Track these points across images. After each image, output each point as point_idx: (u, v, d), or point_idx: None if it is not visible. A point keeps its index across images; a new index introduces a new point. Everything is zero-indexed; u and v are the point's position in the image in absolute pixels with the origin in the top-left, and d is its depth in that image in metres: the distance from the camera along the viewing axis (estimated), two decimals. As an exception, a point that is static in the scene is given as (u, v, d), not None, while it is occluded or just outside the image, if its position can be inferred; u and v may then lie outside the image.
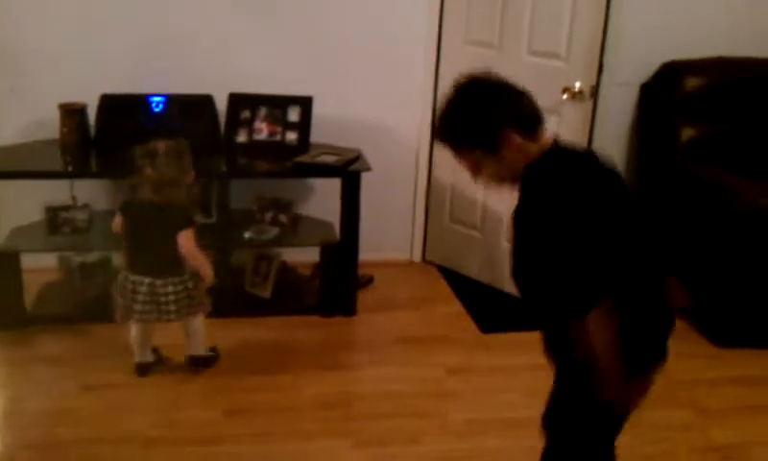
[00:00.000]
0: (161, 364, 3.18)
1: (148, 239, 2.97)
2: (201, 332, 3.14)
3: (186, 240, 2.94)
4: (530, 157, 1.85)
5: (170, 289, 2.95)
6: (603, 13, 3.36)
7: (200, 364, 3.15)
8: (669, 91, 3.86)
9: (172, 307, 2.97)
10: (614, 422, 2.04)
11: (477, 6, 3.79)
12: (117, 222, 3.03)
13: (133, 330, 3.08)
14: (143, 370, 3.12)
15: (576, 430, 2.03)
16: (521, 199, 1.86)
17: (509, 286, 3.92)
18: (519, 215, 1.83)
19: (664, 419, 2.95)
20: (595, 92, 3.47)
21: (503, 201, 3.86)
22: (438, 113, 1.94)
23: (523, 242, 1.85)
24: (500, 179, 1.93)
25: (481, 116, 1.84)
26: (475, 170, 1.93)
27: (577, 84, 3.48)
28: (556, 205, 1.78)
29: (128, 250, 3.01)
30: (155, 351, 3.18)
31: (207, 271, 3.02)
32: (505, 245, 3.91)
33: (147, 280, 2.94)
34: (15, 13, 3.60)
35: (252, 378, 3.13)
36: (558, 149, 1.90)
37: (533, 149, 1.86)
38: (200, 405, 2.95)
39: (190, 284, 3.01)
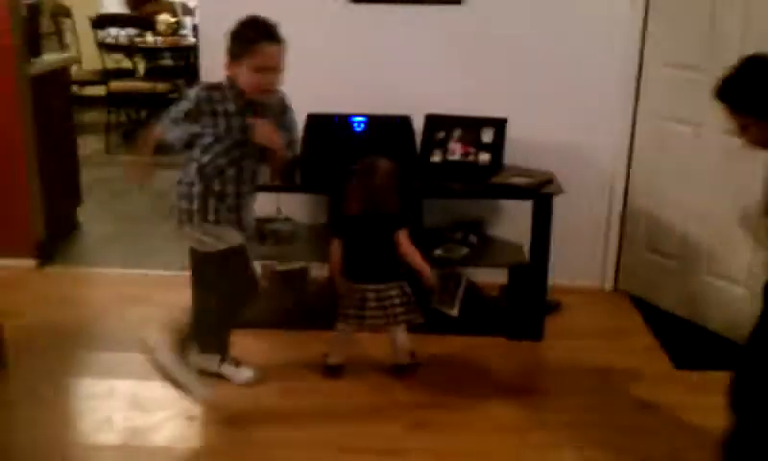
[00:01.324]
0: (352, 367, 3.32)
1: (364, 250, 3.16)
2: (405, 342, 3.27)
3: (402, 240, 3.13)
4: None
5: (394, 292, 3.14)
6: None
7: (401, 372, 3.28)
8: None
9: (398, 310, 3.15)
10: None
11: (682, 26, 3.64)
12: (335, 247, 3.22)
13: (340, 334, 3.25)
14: (336, 372, 3.26)
15: None
16: None
17: (707, 321, 3.72)
18: None
19: None
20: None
21: (705, 231, 3.68)
22: (723, 78, 2.25)
23: None
24: (761, 144, 2.25)
25: (761, 88, 2.18)
26: (743, 131, 2.25)
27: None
28: None
29: (349, 265, 3.19)
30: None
31: (425, 269, 3.16)
32: (705, 278, 3.71)
33: (372, 287, 3.14)
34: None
35: (437, 396, 3.18)
36: None
37: None
38: (385, 417, 3.02)
39: (408, 289, 3.17)
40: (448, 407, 3.10)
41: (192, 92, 2.89)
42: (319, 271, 3.92)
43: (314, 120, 3.69)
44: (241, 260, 3.00)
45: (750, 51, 3.32)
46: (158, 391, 3.12)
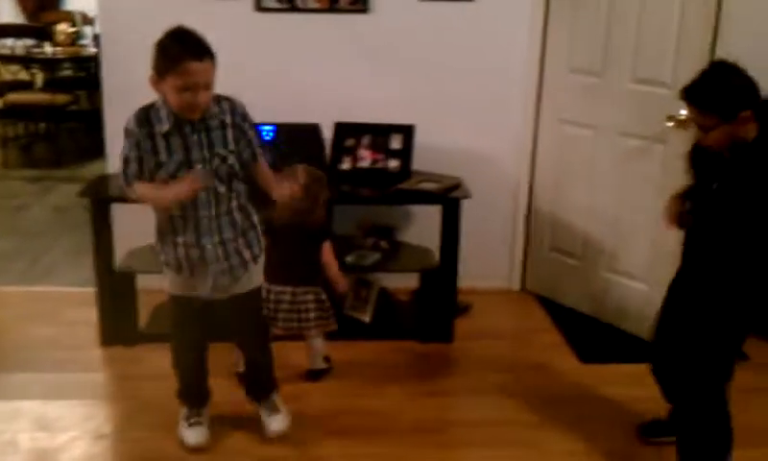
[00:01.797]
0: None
1: (290, 252, 3.17)
2: (321, 348, 3.31)
3: (326, 251, 3.19)
4: (746, 136, 2.34)
5: (310, 297, 3.18)
6: (710, 40, 3.29)
7: (314, 377, 3.32)
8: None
9: (311, 316, 3.20)
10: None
11: (580, 34, 3.78)
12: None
13: None
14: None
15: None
16: (736, 171, 2.36)
17: (610, 316, 3.87)
18: (733, 187, 2.34)
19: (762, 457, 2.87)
20: (702, 121, 3.40)
21: (605, 230, 3.82)
22: (691, 80, 2.38)
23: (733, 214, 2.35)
24: (716, 145, 2.39)
25: (731, 92, 2.32)
26: (705, 132, 2.37)
27: (683, 113, 3.41)
28: None
29: (271, 266, 3.09)
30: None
31: (340, 279, 3.24)
32: (606, 274, 3.86)
33: (289, 290, 3.17)
34: (132, 44, 3.82)
35: (350, 400, 3.20)
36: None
37: (751, 132, 2.33)
38: (301, 425, 2.99)
39: (324, 296, 3.21)
40: (363, 412, 3.12)
41: (128, 123, 2.60)
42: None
43: (221, 129, 3.65)
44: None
45: (642, 59, 3.52)
46: (65, 410, 3.05)
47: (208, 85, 2.52)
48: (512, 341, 3.79)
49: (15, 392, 3.20)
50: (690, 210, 2.57)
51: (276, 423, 2.92)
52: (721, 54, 3.33)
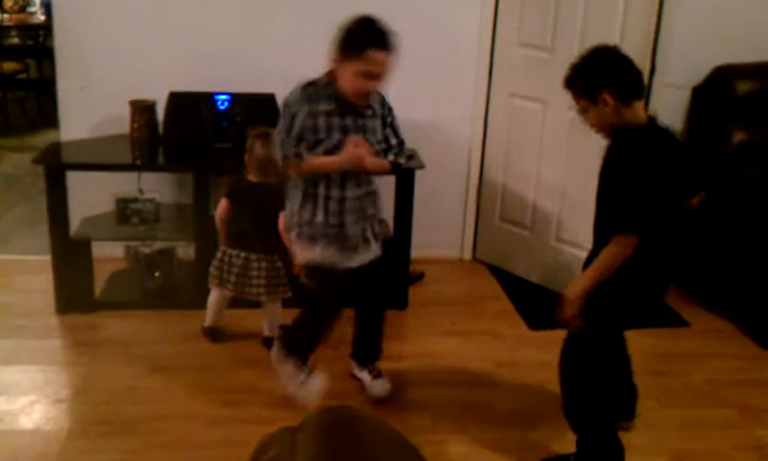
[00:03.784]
0: (228, 329, 3.45)
1: (249, 218, 3.24)
2: (278, 315, 3.36)
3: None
4: (623, 121, 2.38)
5: (264, 265, 3.23)
6: (655, 15, 3.42)
7: (271, 345, 3.33)
8: (721, 95, 3.90)
9: (262, 282, 3.24)
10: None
11: (530, 8, 3.87)
12: (223, 206, 3.28)
13: (213, 296, 3.36)
14: (213, 334, 3.39)
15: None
16: (608, 154, 2.41)
17: (558, 285, 4.00)
18: (606, 166, 2.39)
19: (708, 417, 3.04)
20: (647, 94, 3.53)
21: (554, 201, 3.94)
22: (569, 66, 2.47)
23: (606, 185, 2.39)
24: (597, 128, 2.47)
25: (590, 74, 2.41)
26: (582, 114, 2.47)
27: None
28: (635, 168, 2.32)
29: (229, 230, 3.28)
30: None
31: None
32: (554, 244, 3.99)
33: (243, 255, 3.23)
34: (86, 13, 3.81)
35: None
36: (652, 126, 2.44)
37: (627, 115, 2.38)
38: (258, 390, 3.07)
39: (279, 265, 3.26)
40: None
41: (290, 98, 2.75)
42: (184, 251, 3.91)
43: (176, 98, 3.67)
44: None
45: (590, 34, 3.63)
46: (23, 375, 3.07)
47: (385, 77, 2.66)
48: (464, 308, 3.90)
49: (-30, 358, 3.20)
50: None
51: (381, 386, 3.07)
52: (665, 32, 3.48)
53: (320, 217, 2.79)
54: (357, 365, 3.17)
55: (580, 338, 2.57)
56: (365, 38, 2.61)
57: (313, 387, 2.91)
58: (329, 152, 2.71)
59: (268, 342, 3.35)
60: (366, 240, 2.90)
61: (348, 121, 2.73)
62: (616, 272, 2.37)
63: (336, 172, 2.73)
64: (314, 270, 2.89)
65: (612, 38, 3.53)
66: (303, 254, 2.88)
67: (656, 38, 3.47)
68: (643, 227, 2.32)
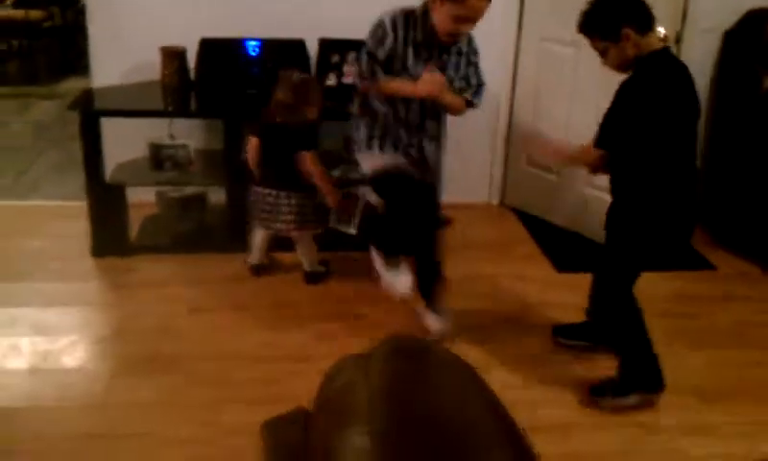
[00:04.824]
0: (273, 268, 3.59)
1: (276, 157, 3.30)
2: (313, 249, 3.47)
3: (307, 160, 3.27)
4: (643, 53, 2.43)
5: (293, 201, 3.31)
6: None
7: (312, 279, 3.50)
8: (753, 38, 3.86)
9: (290, 218, 3.32)
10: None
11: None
12: (253, 144, 3.33)
13: (258, 235, 3.48)
14: (257, 270, 3.53)
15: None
16: (631, 78, 2.46)
17: (584, 229, 4.03)
18: (625, 88, 2.44)
19: (734, 357, 3.09)
20: (679, 38, 3.51)
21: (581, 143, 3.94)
22: (582, 12, 2.52)
23: (619, 108, 2.46)
24: (618, 66, 2.51)
25: (609, 14, 2.44)
26: (603, 56, 2.51)
27: (661, 31, 3.51)
28: (654, 94, 2.39)
29: (259, 167, 3.34)
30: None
31: (326, 191, 3.35)
32: (583, 189, 4.00)
33: (273, 192, 3.30)
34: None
35: (338, 307, 3.33)
36: (666, 53, 2.49)
37: (645, 47, 2.43)
38: (295, 329, 3.14)
39: (307, 201, 3.33)
40: (347, 317, 3.26)
41: (383, 22, 2.85)
42: (216, 196, 3.96)
43: (207, 45, 3.68)
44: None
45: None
46: (63, 317, 3.15)
47: (477, 21, 2.77)
48: (492, 252, 3.94)
49: (11, 300, 3.28)
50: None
51: (442, 321, 3.14)
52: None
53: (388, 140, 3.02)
54: (422, 299, 3.21)
55: (609, 274, 2.69)
56: None
57: (403, 278, 3.09)
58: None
59: (309, 277, 3.48)
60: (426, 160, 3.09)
61: (435, 55, 2.85)
62: (641, 203, 2.51)
63: (410, 96, 2.86)
64: (381, 180, 3.04)
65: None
66: (371, 161, 3.04)
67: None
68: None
